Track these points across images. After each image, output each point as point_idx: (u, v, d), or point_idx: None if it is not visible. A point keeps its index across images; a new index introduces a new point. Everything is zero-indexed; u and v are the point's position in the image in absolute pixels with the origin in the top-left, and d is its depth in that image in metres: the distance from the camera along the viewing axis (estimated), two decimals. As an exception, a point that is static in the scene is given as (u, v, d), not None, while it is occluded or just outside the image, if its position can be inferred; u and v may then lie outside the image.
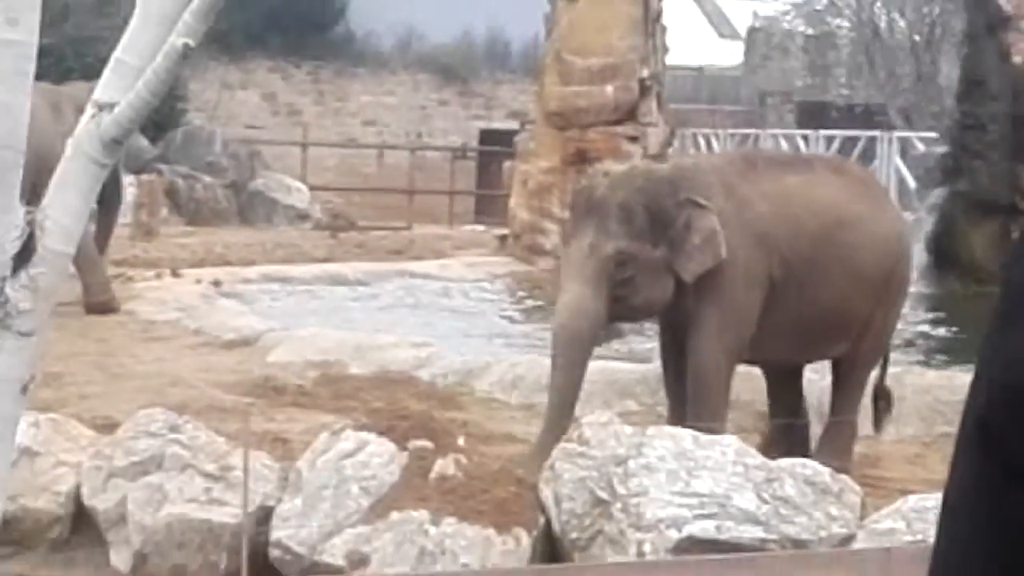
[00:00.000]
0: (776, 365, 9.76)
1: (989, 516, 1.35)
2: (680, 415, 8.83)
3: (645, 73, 19.52)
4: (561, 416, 8.75)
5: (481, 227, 25.95)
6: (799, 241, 9.10)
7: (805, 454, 8.46)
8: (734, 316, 8.97)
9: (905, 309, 10.60)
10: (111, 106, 2.85)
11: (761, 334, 9.03)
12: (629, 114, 19.37)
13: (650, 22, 19.77)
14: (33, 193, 10.73)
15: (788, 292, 9.04)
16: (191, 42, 2.78)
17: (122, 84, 2.85)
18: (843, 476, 7.54)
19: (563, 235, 9.45)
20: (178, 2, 2.82)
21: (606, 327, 9.05)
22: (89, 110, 2.88)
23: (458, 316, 16.05)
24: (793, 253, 9.07)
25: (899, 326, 10.45)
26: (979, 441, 1.35)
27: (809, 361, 9.74)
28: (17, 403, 2.91)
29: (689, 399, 9.15)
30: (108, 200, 15.56)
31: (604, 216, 8.75)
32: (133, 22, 2.92)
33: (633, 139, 19.02)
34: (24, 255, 2.82)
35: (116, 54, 2.91)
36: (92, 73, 13.54)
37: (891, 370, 9.91)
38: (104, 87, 2.88)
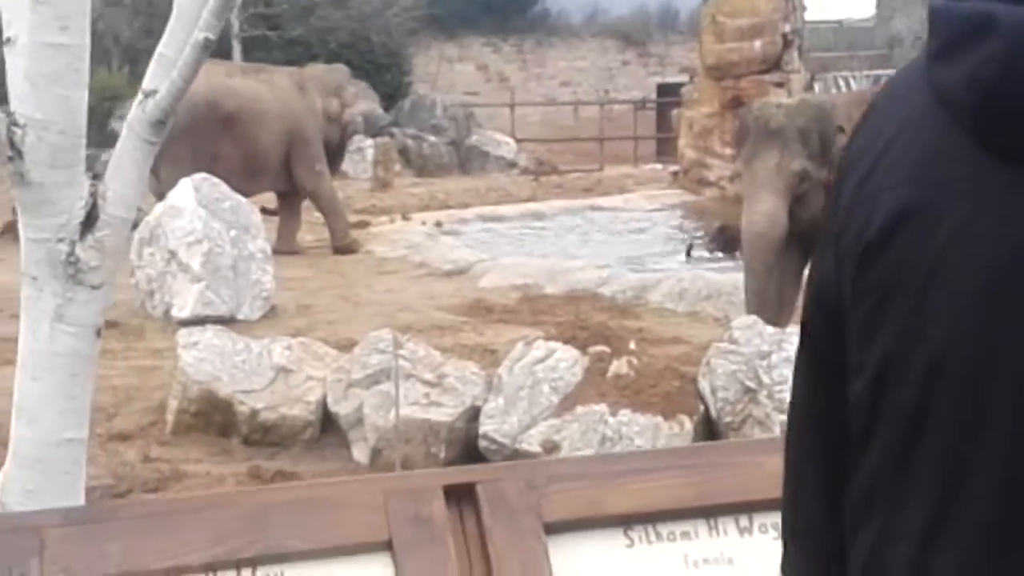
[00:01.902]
0: None
1: (811, 401, 1.39)
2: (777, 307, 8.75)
3: (787, 29, 19.26)
4: (761, 315, 8.52)
5: (659, 166, 25.70)
6: None
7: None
8: None
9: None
10: (155, 93, 2.85)
11: None
12: (775, 64, 19.13)
13: (789, -14, 19.50)
14: (285, 158, 10.77)
15: None
16: (211, 35, 2.76)
17: (163, 74, 2.86)
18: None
19: (742, 157, 9.22)
20: (204, 3, 2.81)
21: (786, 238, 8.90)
22: (139, 96, 2.90)
23: (636, 240, 15.95)
24: None
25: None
26: (805, 343, 1.35)
27: None
28: (93, 344, 2.94)
29: None
30: (333, 159, 15.71)
31: (787, 139, 8.67)
32: (171, 21, 2.92)
33: (779, 85, 18.74)
34: (90, 221, 2.85)
35: (158, 49, 2.92)
36: (334, 57, 13.78)
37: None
38: (150, 77, 2.89)
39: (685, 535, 2.35)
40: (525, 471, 2.42)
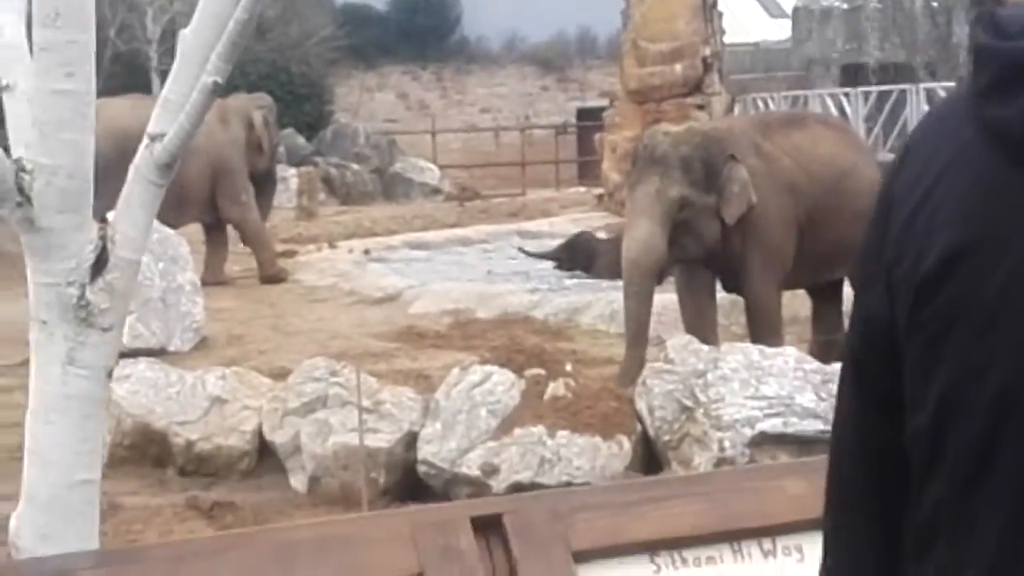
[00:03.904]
0: (810, 287, 9.73)
1: (863, 436, 1.37)
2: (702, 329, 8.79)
3: (707, 52, 19.38)
4: (638, 339, 8.85)
5: (583, 189, 25.82)
6: (815, 189, 9.08)
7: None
8: (775, 253, 8.97)
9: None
10: (162, 136, 2.85)
11: (793, 265, 9.02)
12: (696, 87, 19.24)
13: (708, 10, 19.62)
14: (210, 189, 10.75)
15: (808, 231, 9.01)
16: (219, 79, 2.77)
17: (169, 118, 2.86)
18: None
19: (628, 183, 9.39)
20: (209, 47, 2.81)
21: (665, 263, 8.97)
22: (145, 140, 2.89)
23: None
24: (811, 201, 9.04)
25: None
26: (854, 376, 1.34)
27: (826, 281, 9.57)
28: (103, 386, 2.93)
29: (750, 323, 9.18)
30: (265, 188, 15.68)
31: (668, 167, 8.72)
32: (175, 66, 2.93)
33: (700, 107, 18.86)
34: (99, 264, 2.84)
35: (163, 93, 2.92)
36: (254, 89, 13.71)
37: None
38: (156, 121, 2.89)
39: (710, 560, 2.36)
40: (550, 501, 2.42)
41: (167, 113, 2.88)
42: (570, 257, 15.03)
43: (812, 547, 2.33)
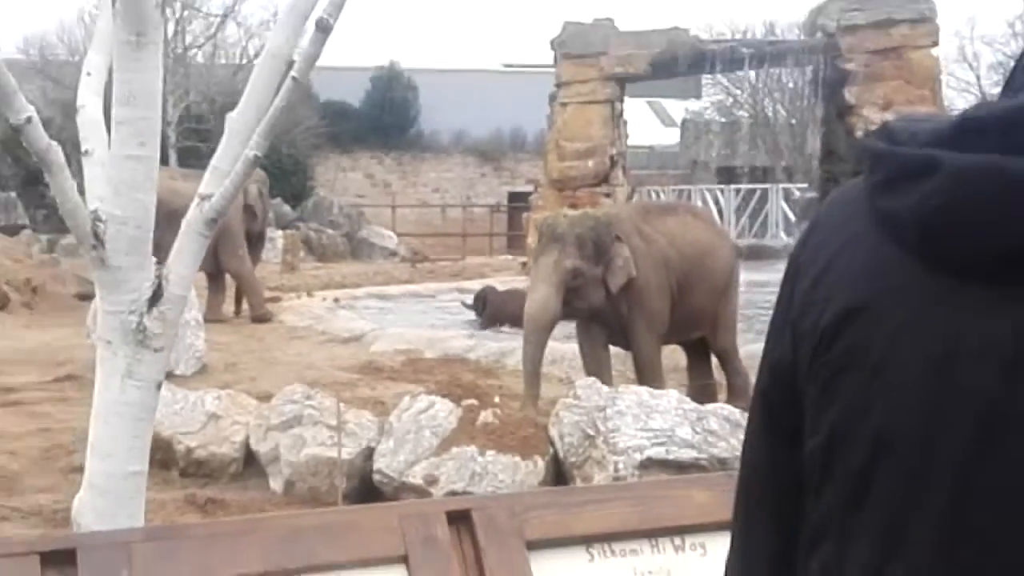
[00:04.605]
0: (681, 343, 9.82)
1: (766, 457, 1.35)
2: (600, 374, 8.80)
3: (613, 152, 19.59)
4: (532, 379, 8.96)
5: (511, 257, 25.87)
6: (684, 265, 9.19)
7: (714, 402, 8.45)
8: (655, 316, 9.08)
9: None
10: (210, 197, 2.88)
11: (668, 326, 9.14)
12: (604, 179, 19.44)
13: (616, 118, 19.84)
14: (214, 245, 10.51)
15: (677, 298, 9.13)
16: (259, 153, 2.80)
17: (216, 182, 2.88)
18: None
19: (533, 255, 9.50)
20: (250, 127, 2.84)
21: (558, 320, 9.08)
22: (196, 200, 2.92)
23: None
24: (680, 274, 9.15)
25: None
26: (762, 411, 1.35)
27: (693, 338, 9.68)
28: (154, 396, 2.94)
29: (637, 372, 9.28)
30: (257, 246, 15.62)
31: (566, 243, 8.80)
32: (224, 139, 2.95)
33: (607, 195, 19.04)
34: (155, 297, 2.86)
35: (212, 162, 2.95)
36: (250, 165, 13.33)
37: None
38: (206, 184, 2.92)
39: (633, 552, 2.40)
40: (509, 500, 2.46)
41: (215, 178, 2.90)
42: (475, 306, 15.27)
43: (714, 544, 2.41)
